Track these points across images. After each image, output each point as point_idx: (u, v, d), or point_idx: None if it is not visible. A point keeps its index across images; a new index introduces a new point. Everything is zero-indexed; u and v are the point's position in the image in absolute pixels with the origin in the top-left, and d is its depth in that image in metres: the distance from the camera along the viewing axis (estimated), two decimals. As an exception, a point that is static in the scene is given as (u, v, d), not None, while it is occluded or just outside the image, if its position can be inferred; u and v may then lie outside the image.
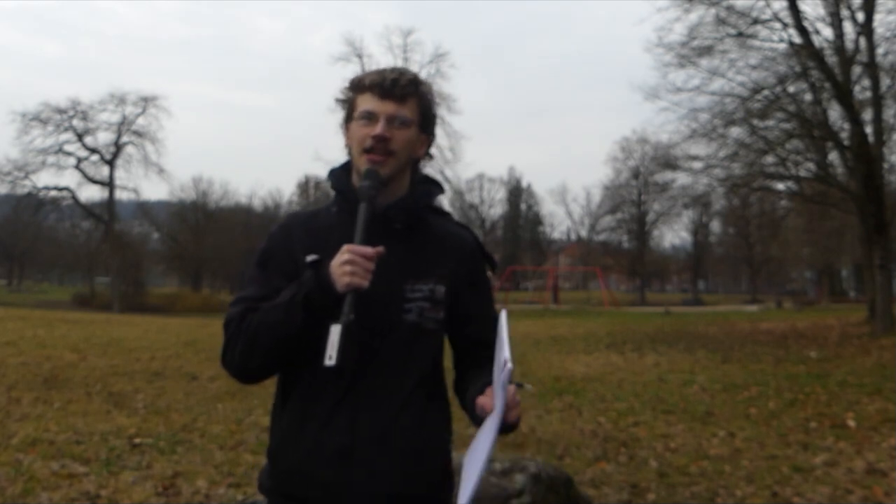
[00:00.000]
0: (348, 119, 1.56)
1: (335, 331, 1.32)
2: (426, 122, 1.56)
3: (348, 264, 1.35)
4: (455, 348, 1.65)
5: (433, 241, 1.57)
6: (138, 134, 41.12)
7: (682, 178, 20.03)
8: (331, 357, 1.30)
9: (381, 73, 1.51)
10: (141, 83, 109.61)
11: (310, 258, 1.42)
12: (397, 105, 1.49)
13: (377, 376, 1.45)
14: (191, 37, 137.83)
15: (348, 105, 1.56)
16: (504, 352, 1.30)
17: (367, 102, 1.50)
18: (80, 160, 40.37)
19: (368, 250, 1.37)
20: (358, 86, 1.53)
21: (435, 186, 1.63)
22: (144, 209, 50.63)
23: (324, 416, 1.45)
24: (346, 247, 1.38)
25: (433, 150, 1.66)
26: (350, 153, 1.56)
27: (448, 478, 1.56)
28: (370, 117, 1.49)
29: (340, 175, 1.58)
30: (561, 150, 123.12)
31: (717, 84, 16.27)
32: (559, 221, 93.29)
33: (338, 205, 1.56)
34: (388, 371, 1.47)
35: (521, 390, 1.52)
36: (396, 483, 1.44)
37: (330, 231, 1.52)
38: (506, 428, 1.34)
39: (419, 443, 1.47)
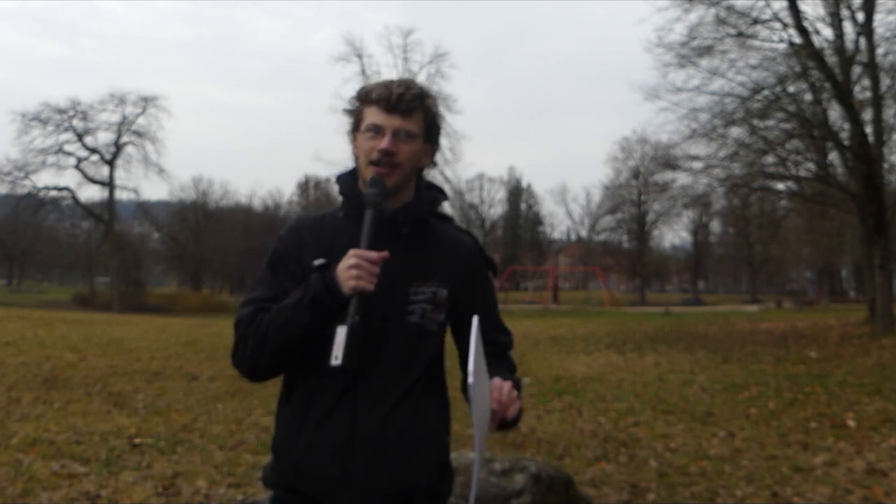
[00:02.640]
0: (355, 129, 1.60)
1: (341, 332, 1.37)
2: (431, 133, 1.61)
3: (354, 268, 1.41)
4: (461, 350, 1.67)
5: (437, 245, 1.61)
6: (138, 134, 41.20)
7: (682, 178, 20.07)
8: (336, 357, 1.36)
9: (388, 86, 1.55)
10: (141, 83, 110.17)
11: (317, 262, 1.48)
12: (403, 119, 1.54)
13: (378, 375, 1.49)
14: (191, 37, 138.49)
15: (355, 115, 1.60)
16: (470, 363, 1.33)
17: (373, 115, 1.55)
18: (80, 160, 40.42)
19: (373, 255, 1.43)
20: (365, 98, 1.58)
21: (440, 193, 1.68)
22: (144, 209, 50.54)
23: (324, 412, 1.49)
24: (352, 251, 1.44)
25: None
26: (357, 162, 1.61)
27: (446, 471, 1.60)
28: (377, 130, 1.54)
29: (348, 180, 1.63)
30: (561, 150, 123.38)
31: (717, 84, 16.29)
32: (559, 221, 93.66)
33: (345, 210, 1.61)
34: (389, 370, 1.51)
35: (522, 384, 1.61)
36: (395, 477, 1.48)
37: (337, 235, 1.57)
38: (507, 424, 1.44)
39: (415, 437, 1.51)
